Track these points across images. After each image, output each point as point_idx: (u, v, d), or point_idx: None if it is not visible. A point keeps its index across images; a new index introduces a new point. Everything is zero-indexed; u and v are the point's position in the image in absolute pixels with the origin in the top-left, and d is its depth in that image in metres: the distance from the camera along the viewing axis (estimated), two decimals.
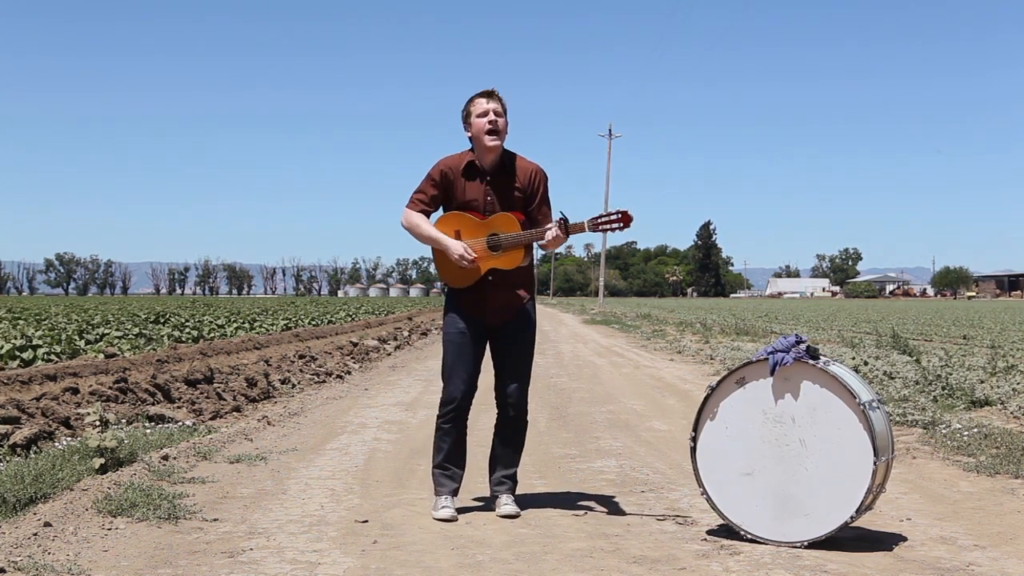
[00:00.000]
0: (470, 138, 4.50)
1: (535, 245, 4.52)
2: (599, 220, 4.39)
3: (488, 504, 4.64)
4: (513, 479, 4.60)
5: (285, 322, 23.77)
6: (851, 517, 3.80)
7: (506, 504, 4.45)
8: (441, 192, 4.51)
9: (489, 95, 4.46)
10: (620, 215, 4.36)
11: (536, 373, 12.25)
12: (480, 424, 6.21)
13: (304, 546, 3.88)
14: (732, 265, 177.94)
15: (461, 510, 4.54)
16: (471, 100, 4.48)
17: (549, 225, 4.39)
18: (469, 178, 4.47)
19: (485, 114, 4.42)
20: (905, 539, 4.03)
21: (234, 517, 4.35)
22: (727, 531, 4.06)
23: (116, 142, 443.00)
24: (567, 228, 4.35)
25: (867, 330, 21.77)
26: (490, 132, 4.41)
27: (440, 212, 4.57)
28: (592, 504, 4.69)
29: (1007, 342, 16.27)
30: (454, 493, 4.54)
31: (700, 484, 4.08)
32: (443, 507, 4.42)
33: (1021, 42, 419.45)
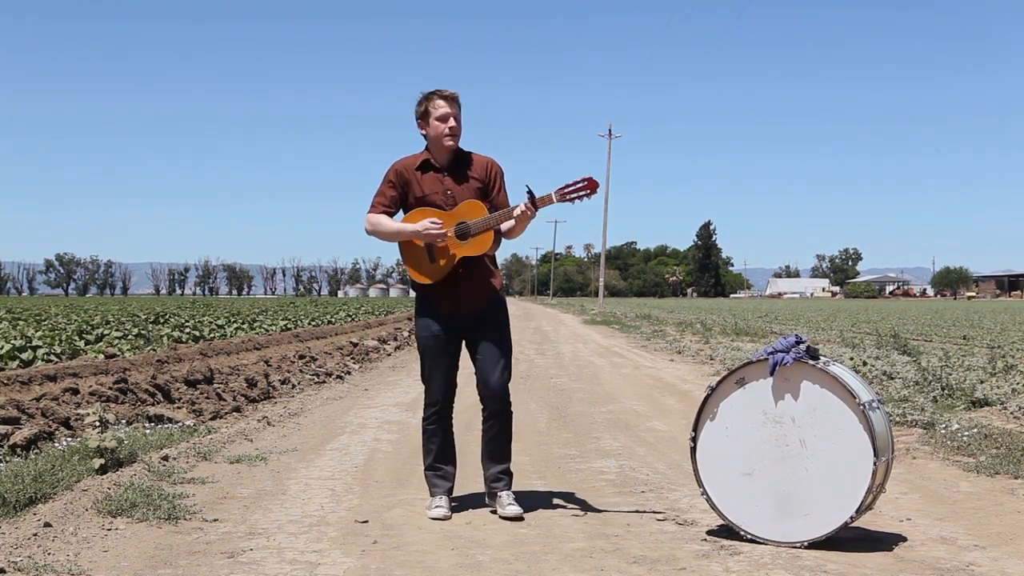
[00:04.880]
0: (424, 135, 4.53)
1: (501, 238, 4.53)
2: (566, 190, 4.37)
3: (488, 503, 4.64)
4: (508, 474, 4.61)
5: (285, 322, 23.76)
6: (851, 517, 3.80)
7: (509, 505, 4.45)
8: (399, 191, 4.53)
9: (451, 99, 4.46)
10: (586, 181, 4.35)
11: (536, 373, 12.31)
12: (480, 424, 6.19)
13: (304, 546, 3.88)
14: (732, 265, 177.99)
15: (461, 510, 4.55)
16: (430, 100, 4.47)
17: (516, 204, 4.40)
18: (425, 171, 4.50)
19: (446, 119, 4.43)
20: (905, 539, 4.03)
21: (234, 517, 4.35)
22: (727, 531, 4.06)
23: (116, 142, 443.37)
24: (534, 201, 4.35)
25: (867, 330, 21.77)
26: (449, 135, 4.44)
27: (402, 214, 4.58)
28: (592, 504, 4.69)
29: (1007, 342, 16.28)
30: (449, 492, 4.57)
31: (700, 484, 4.08)
32: (436, 507, 4.45)
33: (1021, 42, 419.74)
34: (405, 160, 4.56)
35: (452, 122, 4.43)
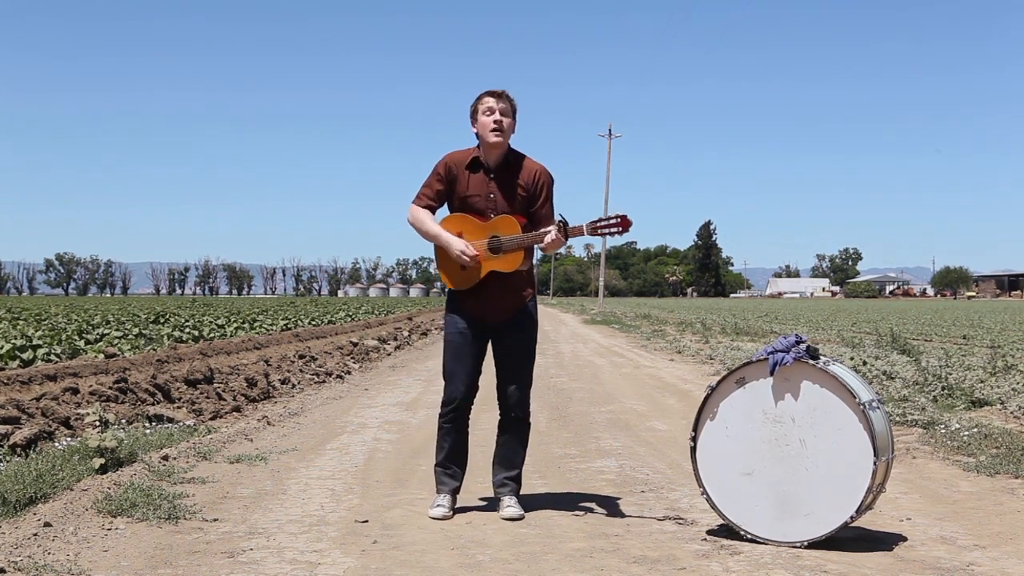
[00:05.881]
0: (476, 134, 4.53)
1: (535, 247, 4.52)
2: (598, 224, 4.38)
3: (489, 504, 4.64)
4: (516, 480, 4.60)
5: (285, 322, 23.76)
6: (851, 517, 3.80)
7: (509, 507, 4.45)
8: (446, 186, 4.53)
9: (499, 95, 4.49)
10: (619, 219, 4.35)
11: (536, 373, 12.15)
12: (482, 424, 6.20)
13: (304, 546, 3.88)
14: (732, 265, 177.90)
15: (462, 510, 4.55)
16: (480, 98, 4.52)
17: (548, 228, 4.39)
18: (473, 171, 4.50)
19: (491, 112, 4.45)
20: (905, 539, 4.03)
21: (234, 517, 4.35)
22: (727, 531, 4.06)
23: (116, 142, 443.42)
24: (566, 231, 4.34)
25: (867, 330, 21.77)
26: (494, 130, 4.43)
27: (445, 211, 4.58)
28: (592, 504, 4.69)
29: (1007, 342, 16.27)
30: (454, 492, 4.57)
31: (700, 484, 4.08)
32: (439, 505, 4.46)
33: (1021, 42, 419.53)
34: (456, 155, 4.56)
35: (497, 115, 4.43)
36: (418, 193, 4.58)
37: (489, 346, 4.62)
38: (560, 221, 4.34)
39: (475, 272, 4.47)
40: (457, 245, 4.41)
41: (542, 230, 4.40)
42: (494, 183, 4.48)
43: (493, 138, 4.44)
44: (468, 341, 4.54)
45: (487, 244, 4.42)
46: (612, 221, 4.36)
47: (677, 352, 15.76)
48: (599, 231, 4.38)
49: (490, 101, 4.47)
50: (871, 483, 3.78)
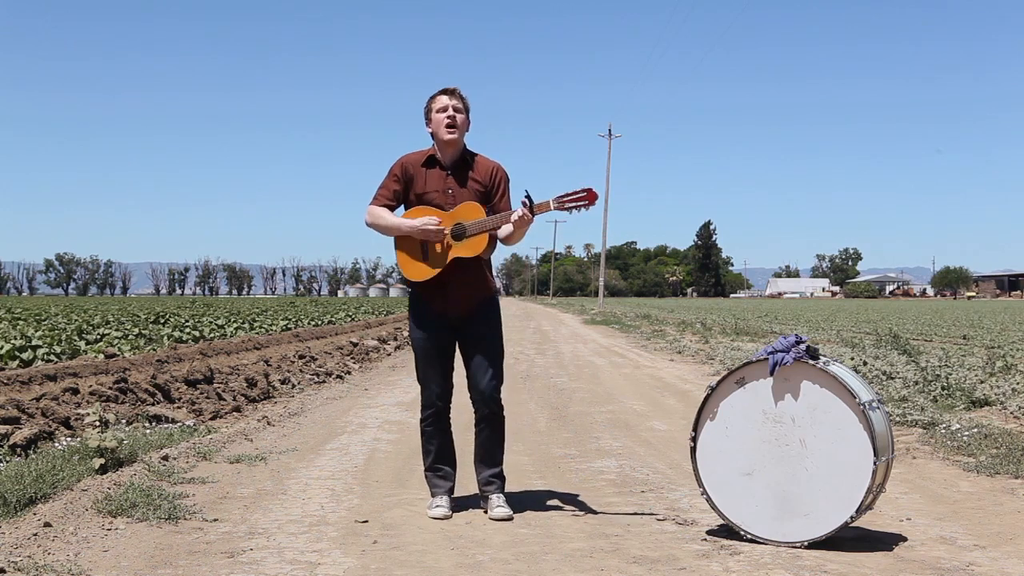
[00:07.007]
0: (431, 134, 4.55)
1: (497, 242, 4.53)
2: (564, 198, 4.36)
3: (482, 506, 4.62)
4: (500, 477, 4.60)
5: (285, 322, 23.75)
6: (851, 517, 3.80)
7: (498, 507, 4.44)
8: (403, 186, 4.54)
9: (451, 93, 4.52)
10: (585, 192, 4.35)
11: (536, 373, 12.30)
12: None
13: (304, 546, 3.88)
14: (732, 265, 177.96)
15: (461, 510, 4.55)
16: (433, 97, 4.54)
17: (515, 209, 4.40)
18: (429, 167, 4.52)
19: (444, 109, 4.47)
20: (905, 539, 4.03)
21: (234, 517, 4.35)
22: (727, 531, 4.05)
23: (116, 142, 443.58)
24: (532, 207, 4.34)
25: (867, 330, 21.76)
26: (448, 127, 4.45)
27: (403, 210, 4.58)
28: (592, 504, 4.69)
29: (1007, 342, 16.27)
30: (449, 492, 4.58)
31: (700, 484, 4.08)
32: (437, 506, 4.46)
33: (1021, 42, 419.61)
34: (411, 155, 4.57)
35: (450, 111, 4.45)
36: (375, 195, 4.58)
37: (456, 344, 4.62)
38: (525, 197, 4.34)
39: (439, 260, 4.43)
40: (421, 220, 4.40)
41: (507, 212, 4.41)
42: (452, 178, 4.49)
43: (447, 135, 4.45)
44: (434, 343, 4.54)
45: (450, 231, 4.41)
46: (579, 195, 4.35)
47: (677, 352, 15.76)
48: (565, 205, 4.36)
49: (443, 99, 4.49)
50: (871, 483, 3.78)
